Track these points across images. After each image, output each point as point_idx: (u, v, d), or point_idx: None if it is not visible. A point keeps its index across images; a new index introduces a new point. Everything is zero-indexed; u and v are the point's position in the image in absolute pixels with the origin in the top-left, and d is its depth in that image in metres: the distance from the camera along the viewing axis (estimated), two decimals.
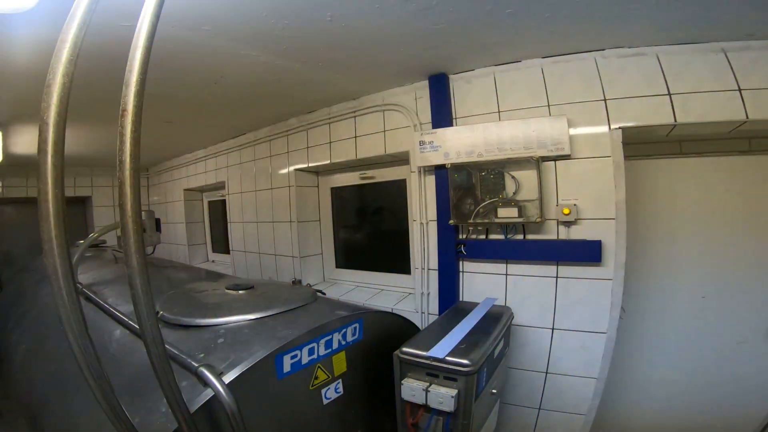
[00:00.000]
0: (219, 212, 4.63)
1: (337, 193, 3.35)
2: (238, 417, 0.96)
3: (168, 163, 4.99)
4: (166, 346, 1.14)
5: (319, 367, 1.32)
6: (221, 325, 1.33)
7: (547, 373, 2.14)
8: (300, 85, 2.46)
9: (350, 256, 3.36)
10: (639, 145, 2.21)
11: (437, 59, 2.14)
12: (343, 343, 1.41)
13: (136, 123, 0.73)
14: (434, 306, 2.44)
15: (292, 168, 3.23)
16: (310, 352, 1.27)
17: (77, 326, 0.72)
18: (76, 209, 5.14)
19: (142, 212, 2.78)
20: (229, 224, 4.04)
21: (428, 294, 2.46)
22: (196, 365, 1.01)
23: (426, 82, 2.40)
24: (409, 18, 1.64)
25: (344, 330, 1.41)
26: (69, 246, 0.71)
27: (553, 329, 2.10)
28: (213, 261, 4.82)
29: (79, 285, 2.09)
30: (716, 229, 2.24)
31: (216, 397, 0.97)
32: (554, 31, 1.81)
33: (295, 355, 1.22)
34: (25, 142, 3.45)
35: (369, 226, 3.27)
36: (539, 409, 2.20)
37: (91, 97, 2.38)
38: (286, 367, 1.20)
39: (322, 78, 2.34)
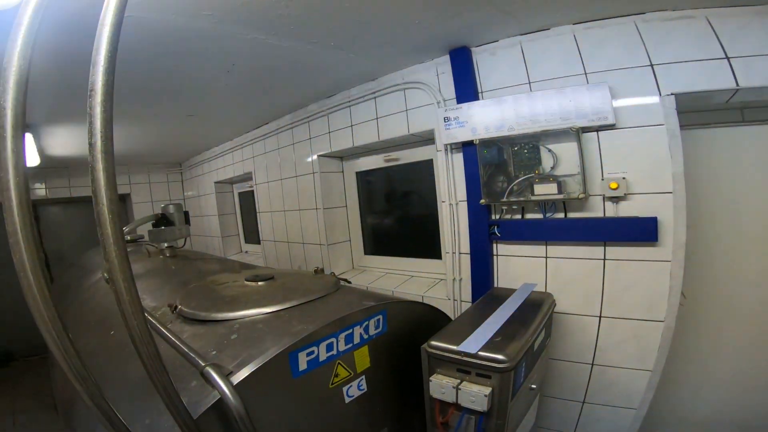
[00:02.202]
0: (249, 203, 4.67)
1: (362, 177, 3.24)
2: (246, 420, 0.89)
3: (198, 157, 5.07)
4: (179, 342, 1.09)
5: (339, 363, 1.23)
6: (236, 319, 1.26)
7: (593, 364, 1.96)
8: (315, 68, 2.34)
9: (379, 242, 3.26)
10: (693, 113, 1.94)
11: (458, 31, 1.96)
12: (366, 336, 1.31)
13: (106, 103, 0.66)
14: (467, 292, 2.30)
15: (315, 155, 3.15)
16: (329, 347, 1.18)
17: (53, 324, 0.66)
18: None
19: (170, 205, 2.82)
20: (258, 214, 4.05)
21: (460, 280, 2.32)
22: (203, 365, 0.93)
23: (447, 57, 2.22)
24: None
25: (366, 323, 1.31)
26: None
27: (600, 317, 1.90)
28: (246, 252, 4.88)
29: None
30: None
31: (222, 399, 0.89)
32: None
33: (312, 352, 1.13)
34: (60, 143, 3.58)
35: (397, 211, 3.14)
36: (583, 402, 2.02)
37: (123, 97, 2.41)
38: (302, 365, 1.11)
39: (337, 59, 2.21)
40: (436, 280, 2.70)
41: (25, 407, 3.41)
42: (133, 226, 2.52)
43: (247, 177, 4.14)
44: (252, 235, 4.82)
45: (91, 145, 0.66)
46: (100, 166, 0.65)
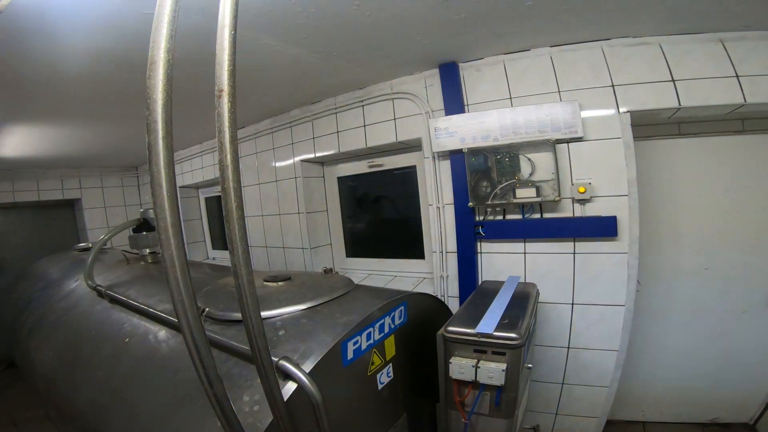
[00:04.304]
0: (217, 208, 4.56)
1: (343, 182, 3.34)
2: (322, 407, 0.97)
3: None
4: (235, 343, 1.15)
5: (374, 352, 1.35)
6: (276, 317, 1.33)
7: (569, 348, 2.23)
8: (309, 75, 2.42)
9: (360, 245, 3.38)
10: (642, 126, 2.30)
11: (449, 48, 2.17)
12: (392, 326, 1.45)
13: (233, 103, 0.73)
14: (453, 288, 2.50)
15: (297, 159, 3.20)
16: (368, 337, 1.30)
17: (195, 324, 0.73)
18: (65, 212, 4.93)
19: (150, 210, 2.73)
20: None
21: (447, 277, 2.52)
22: (276, 359, 1.01)
23: (435, 71, 2.42)
24: (434, 6, 1.65)
25: (393, 313, 1.44)
26: (183, 234, 0.71)
27: (573, 304, 2.19)
28: (213, 258, 4.75)
29: (100, 287, 2.05)
30: (715, 203, 2.36)
31: (301, 389, 0.98)
32: (565, 22, 1.88)
33: (356, 342, 1.25)
34: (12, 143, 3.30)
35: (378, 214, 3.29)
36: (562, 384, 2.30)
37: (78, 97, 2.34)
38: (350, 354, 1.22)
39: (333, 68, 2.32)
40: (420, 279, 2.88)
41: None
42: (114, 232, 2.42)
43: (217, 182, 4.06)
44: (219, 241, 4.70)
45: (221, 145, 0.74)
46: (229, 166, 0.73)
